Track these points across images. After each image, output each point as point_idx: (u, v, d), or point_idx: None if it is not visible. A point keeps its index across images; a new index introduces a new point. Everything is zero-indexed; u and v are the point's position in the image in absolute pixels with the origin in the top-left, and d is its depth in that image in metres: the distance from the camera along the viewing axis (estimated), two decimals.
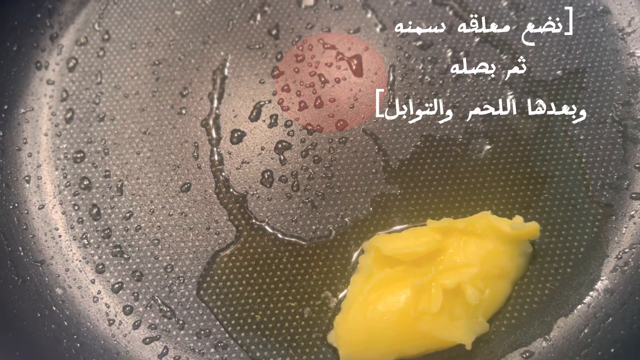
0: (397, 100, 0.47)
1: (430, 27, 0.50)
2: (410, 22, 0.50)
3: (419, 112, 0.47)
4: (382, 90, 0.47)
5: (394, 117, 0.47)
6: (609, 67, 0.47)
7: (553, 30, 0.49)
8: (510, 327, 0.40)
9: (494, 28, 0.49)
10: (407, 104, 0.47)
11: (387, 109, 0.47)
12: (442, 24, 0.50)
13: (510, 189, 0.44)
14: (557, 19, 0.49)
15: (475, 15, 0.50)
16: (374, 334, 0.38)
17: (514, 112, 0.46)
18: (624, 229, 0.42)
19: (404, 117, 0.47)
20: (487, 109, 0.46)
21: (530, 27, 0.49)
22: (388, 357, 0.39)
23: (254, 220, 0.45)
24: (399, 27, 0.50)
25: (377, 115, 0.47)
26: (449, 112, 0.47)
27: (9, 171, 0.48)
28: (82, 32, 0.53)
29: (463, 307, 0.38)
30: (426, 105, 0.47)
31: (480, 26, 0.49)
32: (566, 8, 0.49)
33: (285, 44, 0.50)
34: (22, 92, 0.51)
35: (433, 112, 0.47)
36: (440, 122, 0.46)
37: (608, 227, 0.42)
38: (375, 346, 0.38)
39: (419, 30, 0.49)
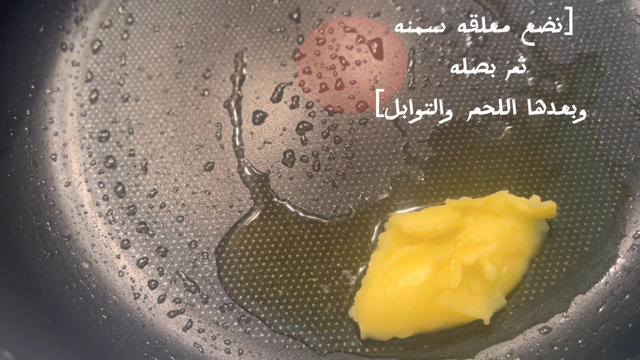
0: (417, 82, 0.48)
1: (450, 11, 0.50)
2: (429, 6, 0.50)
3: (439, 95, 0.47)
4: (382, 90, 0.48)
5: (415, 99, 0.47)
6: (626, 51, 0.48)
7: (571, 16, 0.50)
8: (529, 304, 0.41)
9: (512, 13, 0.50)
10: (427, 86, 0.48)
11: (406, 91, 0.48)
12: (461, 9, 0.50)
13: (528, 169, 0.45)
14: (575, 5, 0.50)
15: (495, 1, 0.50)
16: (394, 309, 0.39)
17: (535, 95, 0.47)
18: None
19: (423, 98, 0.47)
20: (505, 92, 0.47)
21: (548, 12, 0.50)
22: (407, 332, 0.40)
23: (275, 199, 0.46)
24: (418, 11, 0.50)
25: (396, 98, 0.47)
26: (468, 95, 0.47)
27: (36, 149, 0.49)
28: (106, 15, 0.54)
29: (481, 283, 0.39)
30: (446, 87, 0.48)
31: (499, 12, 0.50)
32: None
33: (306, 27, 0.51)
34: (48, 73, 0.52)
35: (453, 95, 0.47)
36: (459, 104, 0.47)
37: (625, 207, 0.43)
38: (394, 321, 0.39)
39: (438, 13, 0.50)
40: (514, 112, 0.46)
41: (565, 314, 0.41)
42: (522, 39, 0.49)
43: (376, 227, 0.44)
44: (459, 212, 0.41)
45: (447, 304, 0.39)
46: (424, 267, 0.39)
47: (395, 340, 0.40)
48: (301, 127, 0.48)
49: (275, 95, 0.49)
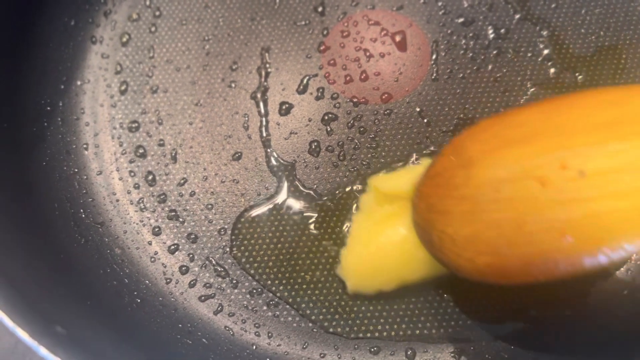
0: (441, 74, 0.49)
1: (472, 4, 0.51)
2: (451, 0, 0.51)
3: (462, 86, 0.48)
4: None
5: (438, 91, 0.48)
6: None
7: (592, 8, 0.51)
8: None
9: (534, 6, 0.51)
10: (450, 78, 0.49)
11: (430, 82, 0.49)
12: (483, 2, 0.51)
13: None
14: None
15: None
16: (377, 264, 0.42)
17: (556, 86, 0.47)
18: None
19: (447, 90, 0.48)
20: (527, 83, 0.48)
21: (569, 5, 0.51)
22: (391, 284, 0.42)
23: (302, 188, 0.47)
24: (441, 4, 0.51)
25: (420, 90, 0.49)
26: (490, 86, 0.48)
27: (69, 139, 0.50)
28: (134, 9, 0.55)
29: None
30: (469, 79, 0.49)
31: (520, 5, 0.51)
32: None
33: (331, 20, 0.52)
34: (79, 65, 0.53)
35: (475, 86, 0.48)
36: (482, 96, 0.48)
37: None
38: (378, 275, 0.42)
39: (461, 7, 0.51)
40: (538, 101, 0.47)
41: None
42: (544, 32, 0.50)
43: None
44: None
45: (425, 255, 0.39)
46: (404, 223, 0.41)
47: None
48: (326, 117, 0.49)
49: (301, 87, 0.50)
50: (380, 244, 0.42)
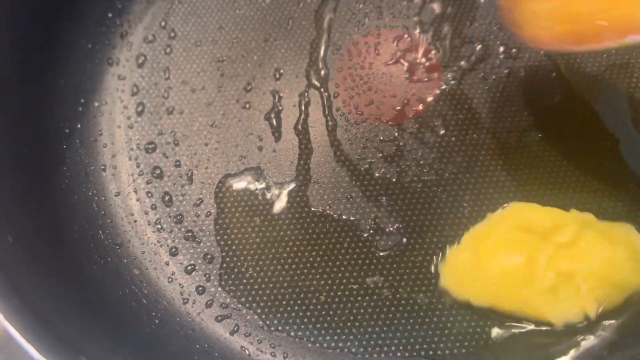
0: (452, 94, 0.49)
1: (482, 23, 0.52)
2: (461, 23, 0.52)
3: (473, 106, 0.49)
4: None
5: (449, 111, 0.49)
6: None
7: None
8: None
9: None
10: (462, 99, 0.49)
11: (442, 103, 0.49)
12: (494, 22, 0.52)
13: (562, 179, 0.46)
14: None
15: None
16: (481, 274, 0.42)
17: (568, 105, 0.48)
18: None
19: (458, 110, 0.49)
20: (539, 103, 0.48)
21: None
22: (482, 300, 0.42)
23: (314, 208, 0.48)
24: (452, 24, 0.52)
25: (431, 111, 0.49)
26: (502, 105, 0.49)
27: (87, 161, 0.51)
28: (149, 30, 0.56)
29: (569, 294, 0.40)
30: (480, 99, 0.49)
31: None
32: None
33: (342, 42, 0.53)
34: (96, 87, 0.54)
35: (487, 106, 0.49)
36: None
37: None
38: (476, 285, 0.42)
39: (472, 26, 0.51)
40: (549, 119, 0.48)
41: None
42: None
43: None
44: (580, 224, 0.42)
45: (530, 293, 0.40)
46: (523, 253, 0.41)
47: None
48: (337, 136, 0.50)
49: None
50: (492, 258, 0.42)
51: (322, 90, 0.51)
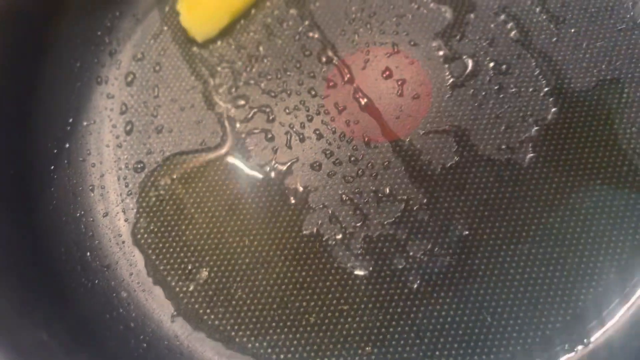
0: (442, 111, 0.49)
1: (473, 39, 0.51)
2: (451, 37, 0.52)
3: (463, 123, 0.49)
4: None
5: (439, 128, 0.49)
6: None
7: (593, 41, 0.51)
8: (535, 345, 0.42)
9: (535, 41, 0.51)
10: (452, 115, 0.49)
11: (431, 120, 0.49)
12: (484, 37, 0.51)
13: (553, 197, 0.45)
14: (597, 31, 0.51)
15: (515, 27, 0.51)
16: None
17: (557, 121, 0.48)
18: None
19: (448, 127, 0.49)
20: (529, 119, 0.48)
21: (570, 39, 0.51)
22: (224, 18, 0.53)
23: (304, 229, 0.47)
24: (442, 40, 0.51)
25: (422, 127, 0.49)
26: (492, 121, 0.48)
27: (75, 181, 0.51)
28: (139, 48, 0.56)
29: None
30: (470, 116, 0.49)
31: (520, 39, 0.51)
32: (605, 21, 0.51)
33: (333, 58, 0.52)
34: (85, 106, 0.54)
35: (477, 123, 0.48)
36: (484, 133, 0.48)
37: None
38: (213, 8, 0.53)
39: (462, 42, 0.51)
40: (539, 137, 0.47)
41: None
42: (545, 66, 0.50)
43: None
44: None
45: None
46: None
47: None
48: (328, 153, 0.49)
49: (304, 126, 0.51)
50: None
51: (312, 107, 0.51)
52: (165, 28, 0.57)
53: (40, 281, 0.44)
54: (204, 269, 0.47)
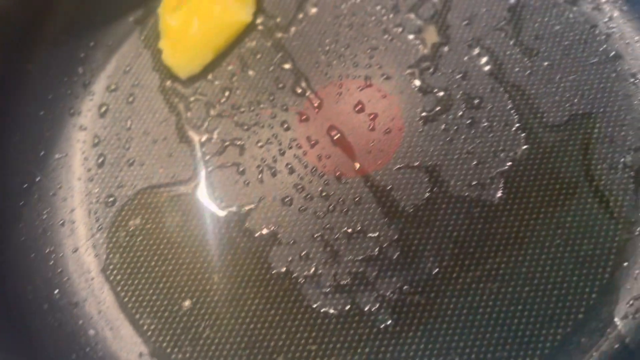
0: (414, 146, 0.49)
1: (445, 72, 0.51)
2: (424, 71, 0.51)
3: (434, 158, 0.48)
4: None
5: (411, 163, 0.48)
6: (621, 112, 0.49)
7: (566, 75, 0.50)
8: None
9: (508, 74, 0.51)
10: (423, 150, 0.49)
11: (402, 155, 0.49)
12: (457, 70, 0.51)
13: (523, 234, 0.45)
14: (570, 64, 0.51)
15: (488, 60, 0.51)
16: (192, 36, 0.53)
17: (530, 155, 0.47)
18: (637, 276, 0.43)
19: (419, 161, 0.48)
20: (500, 154, 0.48)
21: (543, 72, 0.51)
22: (208, 55, 0.53)
23: (273, 265, 0.47)
24: (414, 71, 0.51)
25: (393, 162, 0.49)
26: (464, 157, 0.48)
27: (45, 216, 0.50)
28: (112, 79, 0.56)
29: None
30: (442, 151, 0.48)
31: (494, 72, 0.51)
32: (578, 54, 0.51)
33: (305, 91, 0.52)
34: (57, 139, 0.53)
35: (448, 158, 0.48)
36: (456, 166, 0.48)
37: (620, 273, 0.43)
38: (197, 46, 0.53)
39: (434, 75, 0.51)
40: (510, 172, 0.47)
41: None
42: (517, 100, 0.50)
43: None
44: None
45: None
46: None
47: None
48: (299, 188, 0.49)
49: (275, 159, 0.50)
50: (187, 22, 0.53)
51: (285, 140, 0.51)
52: (140, 58, 0.57)
53: (4, 320, 0.44)
54: (173, 307, 0.46)
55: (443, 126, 0.49)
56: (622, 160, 0.47)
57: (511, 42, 0.52)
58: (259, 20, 0.56)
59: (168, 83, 0.55)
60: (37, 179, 0.51)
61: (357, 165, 0.49)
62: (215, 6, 0.53)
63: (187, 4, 0.54)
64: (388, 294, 0.45)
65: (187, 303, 0.46)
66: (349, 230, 0.47)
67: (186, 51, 0.54)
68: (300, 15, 0.56)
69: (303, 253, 0.46)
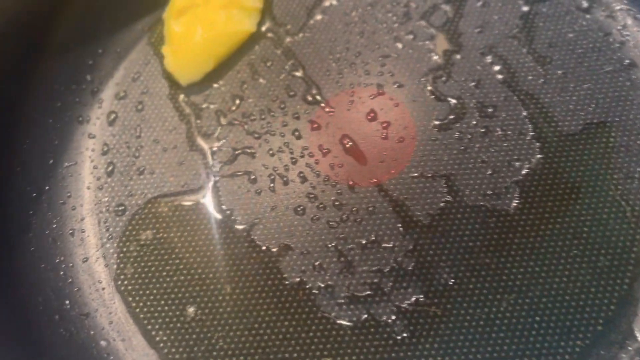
0: (427, 155, 0.48)
1: (458, 80, 0.51)
2: (438, 81, 0.51)
3: (449, 167, 0.48)
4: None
5: (425, 173, 0.48)
6: (636, 120, 0.48)
7: (580, 83, 0.50)
8: None
9: (522, 82, 0.50)
10: (437, 159, 0.48)
11: (416, 164, 0.48)
12: (470, 79, 0.51)
13: (539, 244, 0.45)
14: (584, 73, 0.50)
15: (501, 68, 0.51)
16: (195, 45, 0.52)
17: (545, 164, 0.47)
18: None
19: (433, 171, 0.48)
20: (515, 164, 0.47)
21: (557, 81, 0.50)
22: (211, 61, 0.53)
23: (286, 275, 0.46)
24: (427, 80, 0.51)
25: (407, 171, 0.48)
26: (478, 166, 0.48)
27: (54, 225, 0.50)
28: (121, 86, 0.55)
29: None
30: (456, 160, 0.48)
31: (507, 81, 0.50)
32: (592, 62, 0.50)
33: (317, 99, 0.52)
34: (66, 147, 0.53)
35: (463, 167, 0.48)
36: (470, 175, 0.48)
37: (639, 284, 0.43)
38: (198, 54, 0.53)
39: (447, 84, 0.51)
40: (525, 182, 0.47)
41: None
42: (531, 109, 0.49)
43: None
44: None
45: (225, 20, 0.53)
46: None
47: None
48: (312, 197, 0.48)
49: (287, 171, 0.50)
50: (191, 29, 0.52)
51: (296, 149, 0.50)
52: (149, 65, 0.56)
53: (16, 332, 0.43)
54: (186, 318, 0.46)
55: (457, 135, 0.49)
56: (639, 169, 0.46)
57: (524, 50, 0.52)
58: (269, 28, 0.56)
59: (178, 91, 0.54)
60: (46, 188, 0.51)
61: (370, 175, 0.48)
62: (219, 14, 0.53)
63: (192, 10, 0.53)
64: (404, 305, 0.44)
65: (199, 314, 0.46)
66: (363, 240, 0.46)
67: (188, 58, 0.53)
68: (311, 23, 0.55)
69: (317, 263, 0.46)
